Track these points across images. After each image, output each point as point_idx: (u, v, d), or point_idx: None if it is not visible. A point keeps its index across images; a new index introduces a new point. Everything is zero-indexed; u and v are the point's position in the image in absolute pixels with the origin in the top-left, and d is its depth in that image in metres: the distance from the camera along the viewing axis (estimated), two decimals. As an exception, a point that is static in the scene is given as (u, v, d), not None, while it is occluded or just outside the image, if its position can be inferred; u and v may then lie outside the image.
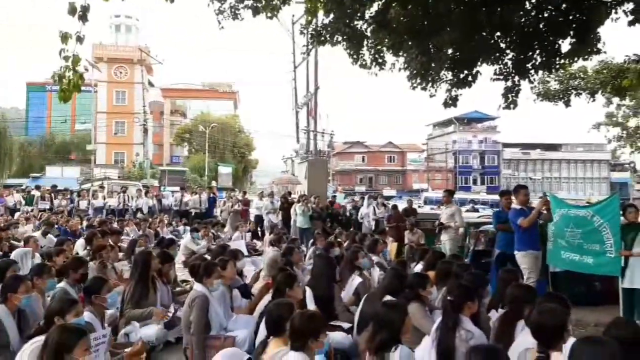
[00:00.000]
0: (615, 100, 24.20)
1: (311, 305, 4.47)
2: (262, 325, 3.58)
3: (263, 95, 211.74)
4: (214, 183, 34.55)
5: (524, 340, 2.96)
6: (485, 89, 10.81)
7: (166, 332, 4.95)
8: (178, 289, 6.41)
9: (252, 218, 15.51)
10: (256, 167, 61.57)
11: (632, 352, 2.37)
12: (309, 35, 10.79)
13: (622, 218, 6.17)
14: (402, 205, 15.04)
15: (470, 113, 58.33)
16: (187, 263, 8.05)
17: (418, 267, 6.25)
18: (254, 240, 13.07)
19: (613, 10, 9.07)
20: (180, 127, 55.78)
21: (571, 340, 2.57)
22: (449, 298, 3.23)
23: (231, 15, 8.73)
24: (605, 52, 10.78)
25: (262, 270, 6.80)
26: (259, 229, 14.74)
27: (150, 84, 53.02)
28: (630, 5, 8.91)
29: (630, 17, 9.04)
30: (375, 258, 6.16)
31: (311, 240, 9.94)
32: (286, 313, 3.16)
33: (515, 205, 6.80)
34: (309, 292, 4.66)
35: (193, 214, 16.95)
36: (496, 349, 2.60)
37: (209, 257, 6.24)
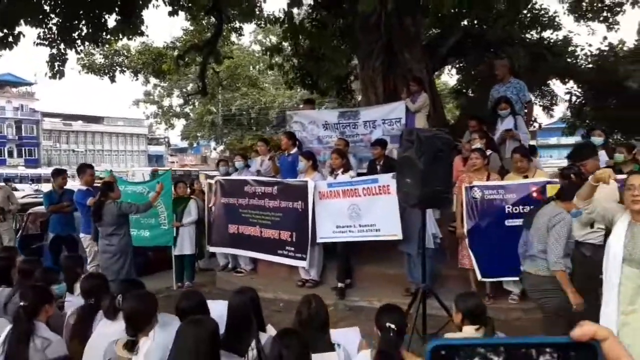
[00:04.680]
0: (153, 80, 26.51)
1: None
2: None
3: None
4: None
5: (104, 332, 2.86)
6: (25, 50, 9.59)
7: None
8: None
9: None
10: None
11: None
12: None
13: (173, 192, 6.87)
14: None
15: (3, 75, 50.25)
16: None
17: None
18: None
19: (155, -3, 9.80)
20: None
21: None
22: (22, 304, 2.72)
23: None
24: (147, 36, 11.59)
25: None
26: None
27: None
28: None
29: (170, 8, 10.03)
30: None
31: None
32: None
33: (81, 185, 6.45)
34: None
35: None
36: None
37: None
